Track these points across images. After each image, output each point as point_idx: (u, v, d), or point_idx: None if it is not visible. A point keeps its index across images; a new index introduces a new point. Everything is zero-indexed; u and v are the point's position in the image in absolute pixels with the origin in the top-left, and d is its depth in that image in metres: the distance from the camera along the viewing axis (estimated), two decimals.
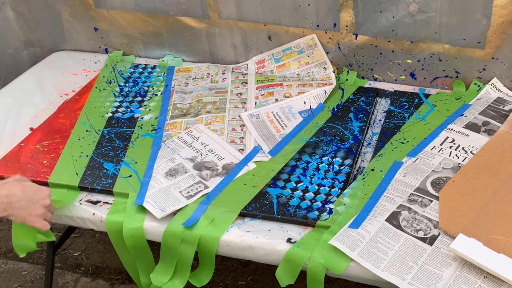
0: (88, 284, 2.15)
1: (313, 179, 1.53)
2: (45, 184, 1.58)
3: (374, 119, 1.77)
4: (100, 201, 1.53)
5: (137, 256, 1.50)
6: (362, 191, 1.47)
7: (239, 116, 1.79)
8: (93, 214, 1.50)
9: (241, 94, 1.90)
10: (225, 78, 1.99)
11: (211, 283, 1.97)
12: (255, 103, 1.85)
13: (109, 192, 1.55)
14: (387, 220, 1.37)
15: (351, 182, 1.52)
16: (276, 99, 1.85)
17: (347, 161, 1.58)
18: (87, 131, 1.78)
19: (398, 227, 1.36)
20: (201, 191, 1.51)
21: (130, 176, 1.59)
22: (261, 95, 1.88)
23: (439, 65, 1.83)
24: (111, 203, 1.52)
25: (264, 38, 2.00)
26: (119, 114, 1.86)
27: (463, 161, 1.53)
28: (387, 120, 1.73)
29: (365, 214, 1.40)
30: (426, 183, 1.47)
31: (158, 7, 2.03)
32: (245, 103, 1.86)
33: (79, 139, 1.74)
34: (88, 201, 1.53)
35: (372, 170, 1.54)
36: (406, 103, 1.79)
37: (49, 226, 1.43)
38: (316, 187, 1.51)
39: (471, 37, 1.74)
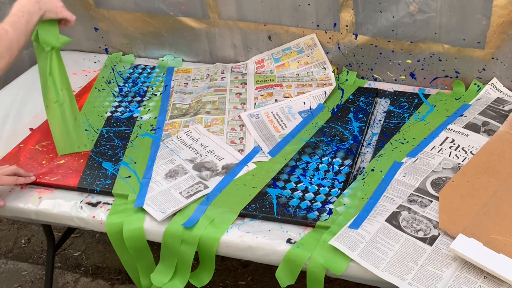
0: (88, 284, 2.15)
1: (312, 180, 1.53)
2: (44, 185, 1.58)
3: (373, 119, 1.77)
4: (100, 202, 1.53)
5: (137, 257, 1.50)
6: (362, 192, 1.47)
7: (239, 116, 1.79)
8: (93, 216, 1.50)
9: (240, 94, 1.90)
10: (224, 77, 1.98)
11: (211, 283, 1.97)
12: (255, 103, 1.85)
13: (109, 193, 1.55)
14: (387, 220, 1.37)
15: (351, 183, 1.52)
16: (276, 100, 1.85)
17: (347, 162, 1.58)
18: (86, 130, 1.78)
19: (398, 227, 1.35)
20: (201, 190, 1.51)
21: (129, 176, 1.59)
22: (261, 95, 1.88)
23: (439, 65, 1.83)
24: (111, 204, 1.52)
25: (264, 38, 2.00)
26: (118, 113, 1.86)
27: (463, 161, 1.53)
28: (387, 121, 1.73)
29: (365, 214, 1.40)
30: (426, 183, 1.47)
31: (158, 7, 2.03)
32: (244, 103, 1.85)
33: None
34: (89, 203, 1.53)
35: (372, 170, 1.54)
36: (406, 103, 1.79)
37: (74, 16, 1.55)
38: (316, 188, 1.50)
39: (471, 37, 1.74)
